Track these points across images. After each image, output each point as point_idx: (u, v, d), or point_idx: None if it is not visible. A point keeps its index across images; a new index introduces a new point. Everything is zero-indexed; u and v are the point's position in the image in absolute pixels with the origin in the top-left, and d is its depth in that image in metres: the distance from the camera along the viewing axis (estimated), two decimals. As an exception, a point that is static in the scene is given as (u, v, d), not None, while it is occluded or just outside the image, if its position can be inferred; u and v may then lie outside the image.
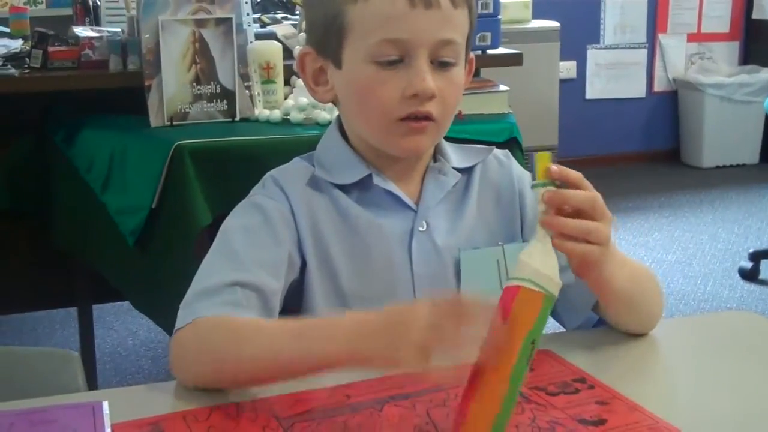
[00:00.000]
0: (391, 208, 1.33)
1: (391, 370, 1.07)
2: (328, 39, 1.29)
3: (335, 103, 1.36)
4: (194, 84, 2.61)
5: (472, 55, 1.36)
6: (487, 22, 3.03)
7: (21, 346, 2.99)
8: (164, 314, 2.58)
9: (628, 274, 1.24)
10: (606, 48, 6.24)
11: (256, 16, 3.10)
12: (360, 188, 1.33)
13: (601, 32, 6.21)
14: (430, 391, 1.15)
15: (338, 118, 1.39)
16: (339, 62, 1.29)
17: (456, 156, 1.39)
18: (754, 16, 6.43)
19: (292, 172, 1.35)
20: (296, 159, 1.39)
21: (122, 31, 2.84)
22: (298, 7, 3.08)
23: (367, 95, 1.27)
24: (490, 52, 3.12)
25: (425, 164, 1.37)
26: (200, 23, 2.61)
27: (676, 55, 6.40)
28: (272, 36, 2.92)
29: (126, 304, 3.19)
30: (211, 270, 1.25)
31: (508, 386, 0.99)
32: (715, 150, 6.17)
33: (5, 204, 2.92)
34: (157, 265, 2.50)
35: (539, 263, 1.01)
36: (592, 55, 6.21)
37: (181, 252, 2.42)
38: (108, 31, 2.86)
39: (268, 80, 2.68)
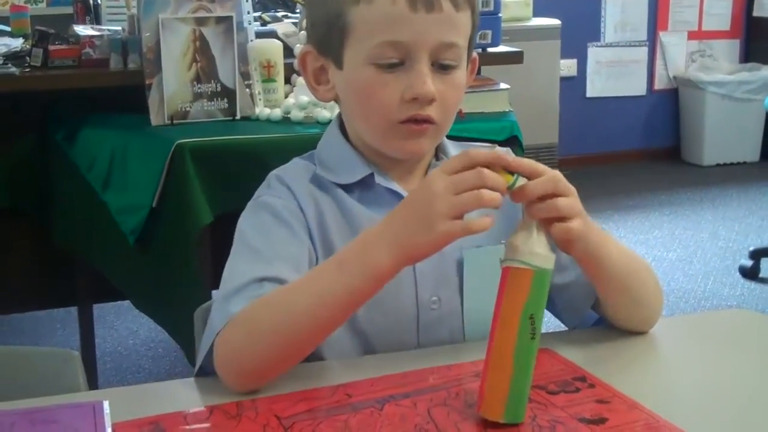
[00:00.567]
0: (393, 206, 1.33)
1: (439, 246, 1.10)
2: (329, 39, 1.29)
3: (337, 101, 1.36)
4: (195, 82, 2.61)
5: (475, 54, 1.36)
6: (487, 20, 3.03)
7: (21, 345, 2.99)
8: (165, 313, 2.59)
9: (619, 251, 1.26)
10: (606, 46, 6.24)
11: (257, 14, 3.10)
12: (362, 187, 1.33)
13: (602, 30, 6.21)
14: (430, 390, 1.15)
15: (338, 116, 1.39)
16: (340, 63, 1.29)
17: (457, 153, 1.38)
18: (755, 13, 6.43)
19: (295, 171, 1.35)
20: (296, 159, 1.39)
21: (123, 29, 2.84)
22: (298, 6, 3.07)
23: (367, 97, 1.27)
24: (490, 50, 3.12)
25: (427, 162, 1.37)
26: (201, 21, 2.61)
27: (677, 53, 6.39)
28: (273, 34, 2.91)
29: (126, 303, 3.19)
30: (235, 271, 1.25)
31: (513, 363, 1.04)
32: (715, 148, 6.17)
33: (6, 203, 2.92)
34: (157, 264, 2.50)
35: (522, 242, 1.07)
36: (593, 52, 6.21)
37: (181, 251, 2.43)
38: (108, 30, 2.85)
39: (268, 79, 2.68)
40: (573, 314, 1.34)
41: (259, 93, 2.68)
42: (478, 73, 3.05)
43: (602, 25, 6.20)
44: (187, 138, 2.43)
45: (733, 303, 3.94)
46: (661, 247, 4.68)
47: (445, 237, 1.08)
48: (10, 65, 2.74)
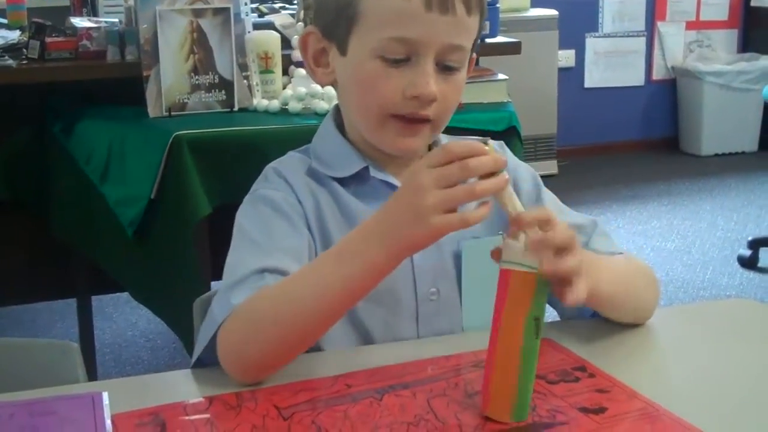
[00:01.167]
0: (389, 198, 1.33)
1: (435, 238, 1.09)
2: (337, 24, 1.28)
3: (334, 86, 1.35)
4: (192, 74, 2.60)
5: (474, 53, 1.36)
6: (488, 12, 3.02)
7: (20, 337, 3.00)
8: (163, 305, 2.59)
9: (616, 277, 1.26)
10: (605, 36, 6.23)
11: (254, 5, 3.09)
12: (357, 181, 1.33)
13: (600, 20, 6.20)
14: (430, 381, 1.15)
15: (333, 109, 1.39)
16: (344, 49, 1.28)
17: (451, 147, 1.38)
18: (753, 3, 6.42)
19: (292, 164, 1.35)
20: (291, 153, 1.38)
21: (120, 21, 2.84)
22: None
23: (368, 88, 1.27)
24: (488, 40, 3.12)
25: (421, 155, 1.36)
26: (198, 13, 2.60)
27: (675, 43, 6.39)
28: (270, 26, 2.91)
29: (125, 295, 3.19)
30: (236, 264, 1.25)
31: (519, 365, 1.04)
32: (713, 138, 6.17)
33: (4, 195, 2.92)
34: (156, 256, 2.50)
35: (522, 242, 1.05)
36: (591, 43, 6.20)
37: (180, 243, 2.43)
38: (105, 22, 2.85)
39: (266, 70, 2.68)
40: (568, 307, 1.35)
41: (257, 84, 2.68)
42: (476, 63, 3.06)
43: (600, 15, 6.19)
44: (185, 130, 2.42)
45: (731, 293, 3.95)
46: (660, 237, 4.68)
47: (441, 230, 1.08)
48: (6, 57, 2.73)
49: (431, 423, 1.05)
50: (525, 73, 5.06)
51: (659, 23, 6.34)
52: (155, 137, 2.46)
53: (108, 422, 1.03)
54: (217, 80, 2.63)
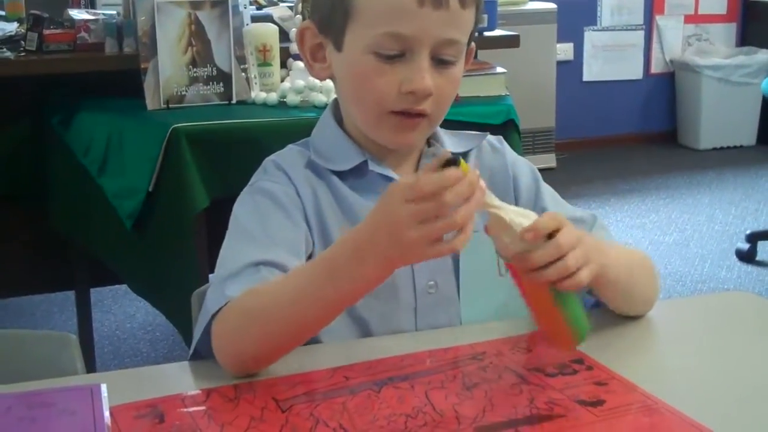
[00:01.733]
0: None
1: (428, 259, 1.08)
2: (332, 20, 1.28)
3: (332, 80, 1.35)
4: (190, 67, 2.60)
5: (472, 44, 1.36)
6: (484, 4, 3.02)
7: (19, 329, 2.99)
8: (162, 297, 2.59)
9: (618, 257, 1.26)
10: (603, 30, 6.23)
11: (252, -2, 3.09)
12: (356, 174, 1.33)
13: (598, 14, 6.19)
14: (428, 373, 1.15)
15: (333, 103, 1.39)
16: (340, 45, 1.28)
17: (450, 141, 1.39)
18: (752, -3, 6.42)
19: (291, 156, 1.35)
20: (290, 146, 1.38)
21: (118, 13, 2.83)
22: (294, -11, 3.06)
23: (363, 84, 1.27)
24: (487, 33, 3.12)
25: (419, 149, 1.37)
26: (196, 5, 2.60)
27: (674, 37, 6.38)
28: (268, 18, 2.90)
29: (124, 287, 3.19)
30: (231, 255, 1.25)
31: (557, 307, 1.12)
32: (712, 131, 6.17)
33: (2, 188, 2.92)
34: (154, 249, 2.50)
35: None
36: (589, 36, 6.20)
37: (178, 235, 2.43)
38: (103, 14, 2.85)
39: (264, 63, 2.68)
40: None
41: (255, 77, 2.68)
42: (475, 56, 3.05)
43: (599, 8, 6.18)
44: (183, 122, 2.42)
45: (729, 286, 3.95)
46: (658, 230, 4.68)
47: (430, 257, 1.06)
48: (4, 50, 2.73)
49: (429, 415, 1.05)
50: (523, 67, 5.06)
51: (658, 17, 6.33)
52: (153, 130, 2.46)
53: (106, 414, 1.03)
54: (215, 73, 2.63)
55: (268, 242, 1.24)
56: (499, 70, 2.85)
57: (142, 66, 2.57)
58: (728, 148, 6.21)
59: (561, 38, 5.75)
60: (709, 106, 6.11)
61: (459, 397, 1.09)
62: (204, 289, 1.41)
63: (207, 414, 1.06)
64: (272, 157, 1.36)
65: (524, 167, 1.43)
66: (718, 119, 6.12)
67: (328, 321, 1.16)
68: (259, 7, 3.13)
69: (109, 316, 3.66)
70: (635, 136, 6.38)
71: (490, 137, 1.44)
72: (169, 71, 2.58)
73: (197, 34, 2.60)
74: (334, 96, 1.39)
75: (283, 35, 2.78)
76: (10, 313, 3.62)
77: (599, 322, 1.30)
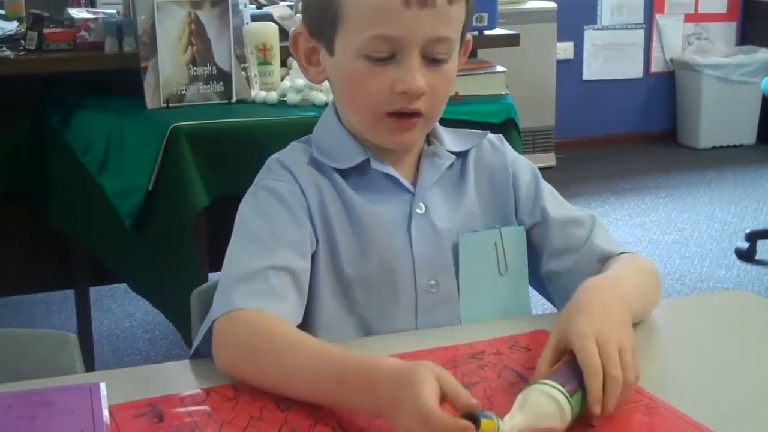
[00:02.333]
0: (389, 191, 1.33)
1: None
2: (321, 25, 1.29)
3: (329, 82, 1.35)
4: (190, 66, 2.60)
5: (468, 36, 1.35)
6: (484, 2, 3.02)
7: (18, 328, 2.99)
8: (161, 296, 2.59)
9: (637, 289, 1.27)
10: (603, 29, 6.22)
11: (252, -3, 3.09)
12: (358, 172, 1.33)
13: (599, 13, 6.19)
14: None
15: (334, 101, 1.39)
16: (331, 49, 1.29)
17: (450, 139, 1.39)
18: (752, -4, 6.42)
19: (294, 155, 1.35)
20: (294, 143, 1.39)
21: (118, 12, 2.83)
22: (294, -12, 3.06)
23: (356, 87, 1.27)
24: (486, 32, 3.11)
25: (420, 148, 1.37)
26: (196, 4, 2.60)
27: (674, 36, 6.38)
28: (268, 17, 2.90)
29: (123, 286, 3.19)
30: (239, 258, 1.25)
31: None
32: (712, 130, 6.17)
33: (2, 187, 2.91)
34: (154, 247, 2.50)
35: None
36: (589, 35, 6.19)
37: (178, 234, 2.43)
38: (103, 13, 2.85)
39: (264, 62, 2.68)
40: (567, 301, 1.35)
41: (255, 76, 2.68)
42: (474, 55, 3.05)
43: (599, 7, 6.18)
44: (183, 121, 2.42)
45: (729, 285, 3.95)
46: (658, 229, 4.68)
47: None
48: (4, 48, 2.73)
49: (428, 414, 1.05)
50: (523, 66, 5.06)
51: (658, 16, 6.33)
52: (153, 128, 2.46)
53: (105, 413, 1.03)
54: (215, 72, 2.63)
55: (275, 245, 1.24)
56: (499, 68, 2.85)
57: (142, 65, 2.57)
58: (728, 147, 6.20)
59: (561, 37, 5.75)
60: (708, 105, 6.10)
61: (458, 397, 1.08)
62: (204, 288, 1.41)
63: (206, 413, 1.06)
64: (276, 155, 1.36)
65: (524, 166, 1.43)
66: (718, 118, 6.12)
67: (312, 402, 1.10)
68: (259, 6, 3.12)
69: (108, 315, 3.66)
70: (635, 135, 6.37)
71: (491, 136, 1.44)
72: (169, 70, 2.58)
73: (197, 33, 2.60)
74: (333, 95, 1.40)
75: (283, 34, 2.78)
76: (10, 312, 3.62)
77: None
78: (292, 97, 2.61)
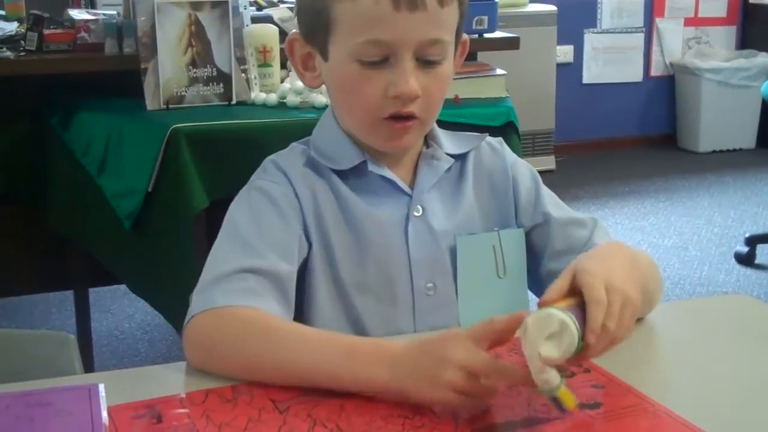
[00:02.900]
0: (387, 193, 1.33)
1: (441, 402, 1.04)
2: (315, 31, 1.29)
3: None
4: (190, 67, 2.60)
5: (465, 36, 1.35)
6: (484, 6, 3.02)
7: (17, 329, 2.99)
8: (161, 297, 2.59)
9: (644, 268, 1.26)
10: (603, 32, 6.23)
11: (253, -1, 3.09)
12: (355, 174, 1.33)
13: (598, 16, 6.20)
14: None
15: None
16: (326, 55, 1.29)
17: (449, 142, 1.39)
18: (752, 0, 6.42)
19: (292, 156, 1.35)
20: (293, 144, 1.39)
21: (118, 13, 2.83)
22: (294, -10, 3.07)
23: (351, 92, 1.27)
24: (486, 35, 3.12)
25: (418, 150, 1.37)
26: (196, 6, 2.60)
27: (673, 40, 6.39)
28: (268, 19, 2.91)
29: (123, 287, 3.19)
30: (220, 257, 1.25)
31: None
32: (711, 135, 6.17)
33: (1, 188, 2.91)
34: (153, 249, 2.50)
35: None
36: (589, 39, 6.20)
37: (177, 235, 2.43)
38: (104, 14, 2.85)
39: (264, 63, 2.68)
40: None
41: (255, 78, 2.68)
42: (474, 58, 3.06)
43: (599, 11, 6.19)
44: (183, 123, 2.42)
45: (728, 289, 3.95)
46: (657, 233, 4.69)
47: (447, 403, 1.04)
48: (4, 49, 2.73)
49: (427, 417, 1.05)
50: (523, 69, 5.06)
51: (658, 19, 6.33)
52: (153, 130, 2.46)
53: (104, 414, 1.03)
54: (215, 73, 2.63)
55: (259, 247, 1.23)
56: (499, 72, 2.85)
57: (142, 66, 2.57)
58: (728, 151, 6.21)
59: (561, 40, 5.76)
60: (708, 109, 6.11)
61: (457, 399, 1.08)
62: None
63: (205, 414, 1.06)
64: (272, 156, 1.36)
65: (524, 170, 1.43)
66: (718, 122, 6.12)
67: (303, 385, 1.11)
68: (259, 8, 3.13)
69: (107, 316, 3.67)
70: (635, 138, 6.38)
71: (490, 139, 1.45)
72: (168, 72, 2.58)
73: (197, 34, 2.60)
74: (334, 97, 1.40)
75: (283, 36, 2.77)
76: (9, 313, 3.62)
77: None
78: (292, 99, 2.61)
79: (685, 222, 4.85)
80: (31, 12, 2.82)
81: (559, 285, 1.10)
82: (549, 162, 5.67)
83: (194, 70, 2.61)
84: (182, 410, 1.07)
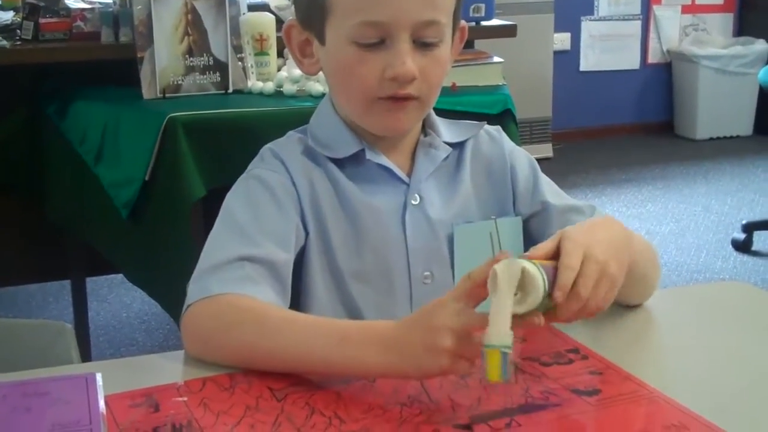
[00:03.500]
0: (384, 182, 1.33)
1: (441, 371, 1.04)
2: (311, 16, 1.29)
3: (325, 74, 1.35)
4: (187, 56, 2.60)
5: (463, 23, 1.35)
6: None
7: (14, 318, 2.99)
8: (158, 286, 2.59)
9: (642, 250, 1.26)
10: (600, 20, 6.22)
11: (249, -13, 3.08)
12: (353, 163, 1.33)
13: (596, 4, 6.19)
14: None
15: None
16: (323, 39, 1.29)
17: (447, 130, 1.38)
18: (749, -13, 6.42)
19: (289, 145, 1.35)
20: (290, 132, 1.39)
21: (114, 2, 2.82)
22: (290, -22, 3.06)
23: (348, 74, 1.27)
24: (484, 23, 3.11)
25: (415, 138, 1.36)
26: (192, -6, 2.59)
27: (671, 27, 6.38)
28: (265, 7, 2.90)
29: (120, 276, 3.19)
30: (217, 246, 1.24)
31: None
32: (708, 122, 6.17)
33: (-3, 177, 2.91)
34: (150, 238, 2.50)
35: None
36: (587, 26, 6.19)
37: (174, 224, 2.42)
38: (100, 3, 2.84)
39: (261, 52, 2.67)
40: None
41: (252, 66, 2.67)
42: (471, 46, 3.05)
43: (596, -2, 6.18)
44: (180, 111, 2.42)
45: (725, 276, 3.96)
46: (654, 220, 4.69)
47: (446, 371, 1.03)
48: (0, 38, 2.72)
49: (424, 404, 1.05)
50: (520, 56, 5.06)
51: (655, 7, 6.33)
52: (149, 119, 2.45)
53: (101, 403, 1.03)
54: (211, 62, 2.62)
55: (256, 236, 1.23)
56: (496, 59, 2.84)
57: (139, 55, 2.56)
58: (725, 138, 6.21)
59: (558, 28, 5.75)
60: (705, 96, 6.11)
61: (454, 386, 1.09)
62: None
63: (202, 403, 1.06)
64: (270, 145, 1.36)
65: (522, 158, 1.43)
66: (715, 109, 6.12)
67: (296, 372, 1.12)
68: (256, -4, 3.12)
69: (104, 305, 3.67)
70: (632, 126, 6.38)
71: (488, 127, 1.44)
72: (165, 60, 2.57)
73: (194, 23, 2.60)
74: (330, 85, 1.40)
75: (280, 24, 2.76)
76: (6, 302, 3.62)
77: (595, 312, 1.30)
78: (289, 88, 2.60)
79: (682, 209, 4.86)
80: (26, 1, 2.81)
81: (544, 246, 1.10)
82: (546, 150, 5.67)
83: (191, 58, 2.60)
84: (180, 399, 1.07)
